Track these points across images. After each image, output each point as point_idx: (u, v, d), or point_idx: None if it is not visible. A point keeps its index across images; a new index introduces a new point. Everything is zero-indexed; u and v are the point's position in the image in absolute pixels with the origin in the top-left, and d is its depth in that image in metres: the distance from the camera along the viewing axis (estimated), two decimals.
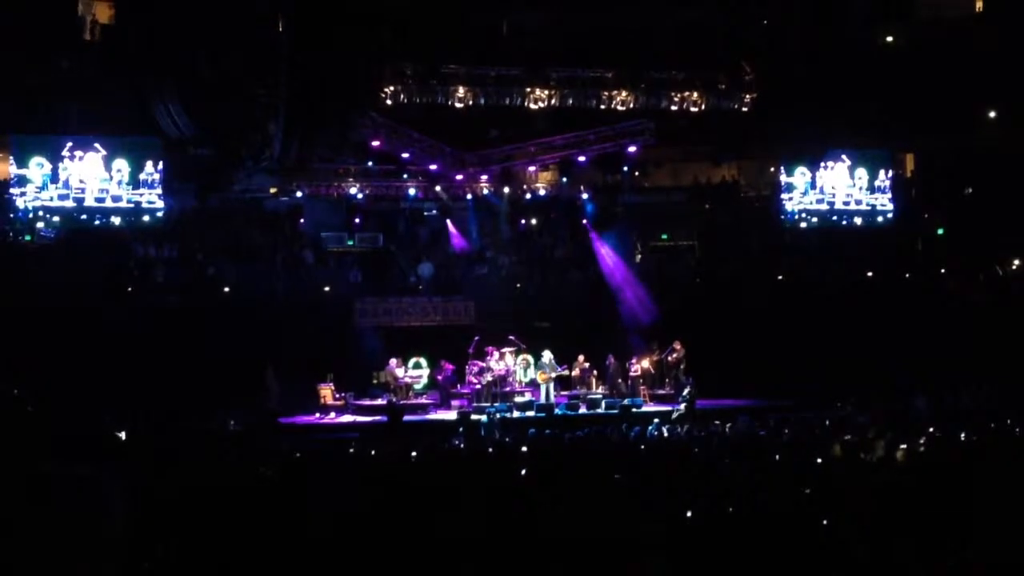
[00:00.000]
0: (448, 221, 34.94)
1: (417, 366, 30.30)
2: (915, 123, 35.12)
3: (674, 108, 31.82)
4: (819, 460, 15.30)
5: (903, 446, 15.99)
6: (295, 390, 28.31)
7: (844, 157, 33.98)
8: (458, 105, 30.54)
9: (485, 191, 34.59)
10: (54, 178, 28.51)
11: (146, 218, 29.28)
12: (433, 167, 33.19)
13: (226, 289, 30.91)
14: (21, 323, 25.74)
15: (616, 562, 9.23)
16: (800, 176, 33.82)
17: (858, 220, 34.12)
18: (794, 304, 31.72)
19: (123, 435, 20.93)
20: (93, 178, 28.67)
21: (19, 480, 3.66)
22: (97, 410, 23.58)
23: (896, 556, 9.37)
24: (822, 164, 33.66)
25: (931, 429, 19.38)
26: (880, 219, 34.17)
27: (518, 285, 33.84)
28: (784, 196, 33.81)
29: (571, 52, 32.75)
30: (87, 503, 3.67)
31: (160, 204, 29.31)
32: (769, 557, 9.58)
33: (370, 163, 34.12)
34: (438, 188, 34.29)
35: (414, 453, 17.97)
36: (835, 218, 34.17)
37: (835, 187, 34.12)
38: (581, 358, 30.19)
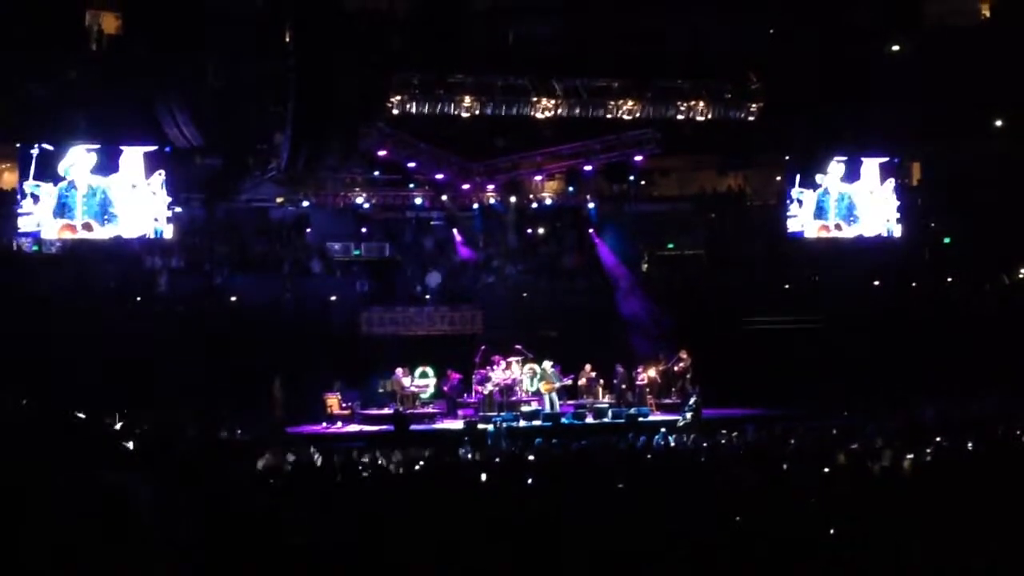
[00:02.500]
0: (455, 230, 34.98)
1: (424, 375, 30.31)
2: (921, 131, 35.08)
3: (680, 117, 31.76)
4: (826, 469, 15.29)
5: (910, 456, 15.97)
6: (302, 399, 28.36)
7: (850, 165, 33.90)
8: (464, 114, 30.52)
9: (491, 200, 34.62)
10: (64, 188, 28.42)
11: (153, 228, 29.17)
12: (439, 176, 33.22)
13: (233, 298, 30.96)
14: (29, 333, 25.79)
15: (623, 572, 9.24)
16: (806, 184, 33.70)
17: (864, 228, 34.03)
18: (800, 313, 31.69)
19: (130, 445, 20.95)
20: (100, 187, 28.63)
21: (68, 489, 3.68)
22: (104, 420, 23.62)
23: (902, 564, 9.37)
24: (828, 172, 33.58)
25: (938, 439, 19.36)
26: (886, 228, 34.09)
27: (525, 294, 33.86)
28: (790, 204, 33.73)
29: (577, 61, 32.75)
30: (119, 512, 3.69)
31: (167, 214, 29.25)
32: (776, 567, 9.58)
33: (376, 173, 34.16)
34: (444, 197, 34.31)
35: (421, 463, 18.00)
36: (841, 226, 34.08)
37: (841, 195, 34.07)
38: (587, 367, 30.20)
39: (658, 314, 32.44)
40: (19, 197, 28.34)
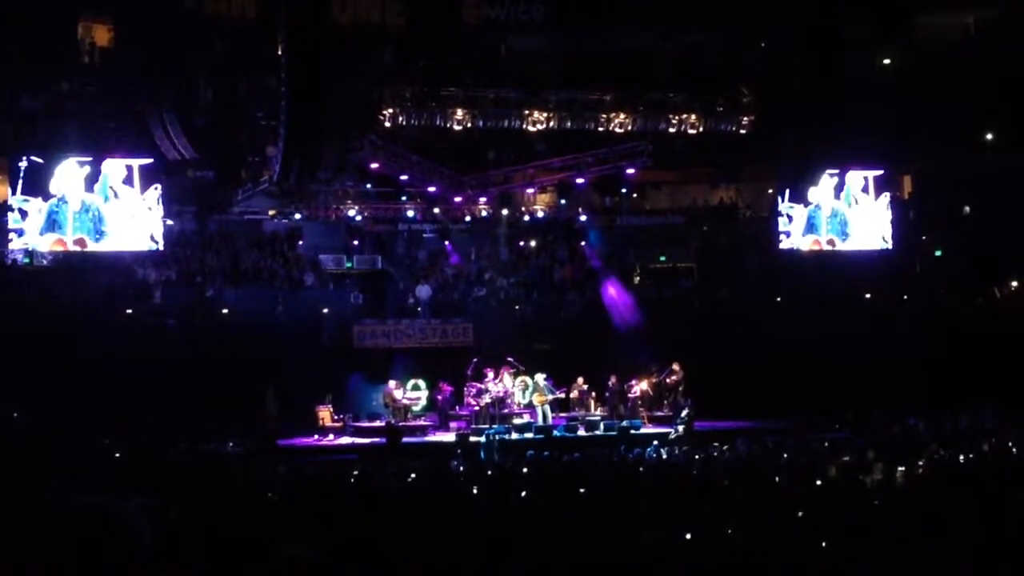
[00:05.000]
0: (447, 243, 35.00)
1: (416, 388, 30.26)
2: (912, 144, 35.16)
3: (672, 130, 31.84)
4: (818, 482, 15.30)
5: (902, 468, 15.99)
6: (294, 412, 28.29)
7: (841, 178, 33.89)
8: (457, 127, 30.59)
9: (484, 213, 34.65)
10: (54, 204, 28.00)
11: (145, 240, 28.89)
12: (432, 189, 33.25)
13: (225, 311, 30.92)
14: (20, 346, 25.71)
15: None
16: (796, 199, 33.62)
17: (856, 242, 34.03)
18: (792, 326, 31.70)
19: (118, 456, 20.93)
20: (92, 200, 28.33)
21: (34, 509, 3.67)
22: (96, 433, 23.59)
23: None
24: (819, 185, 33.60)
25: (930, 451, 19.39)
26: (878, 241, 34.12)
27: (516, 307, 33.89)
28: (781, 218, 33.69)
29: (569, 74, 32.85)
30: (115, 534, 3.67)
31: (159, 226, 28.97)
32: None
33: (369, 185, 34.19)
34: (436, 210, 34.34)
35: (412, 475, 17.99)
36: (832, 239, 34.05)
37: (833, 208, 34.05)
38: (580, 380, 30.17)
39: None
40: (10, 209, 28.01)
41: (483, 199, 34.20)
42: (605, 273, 34.36)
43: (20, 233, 27.54)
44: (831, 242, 33.55)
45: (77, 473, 15.38)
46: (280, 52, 26.39)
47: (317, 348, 30.29)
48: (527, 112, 30.88)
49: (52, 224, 27.71)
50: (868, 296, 34.65)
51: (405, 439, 27.18)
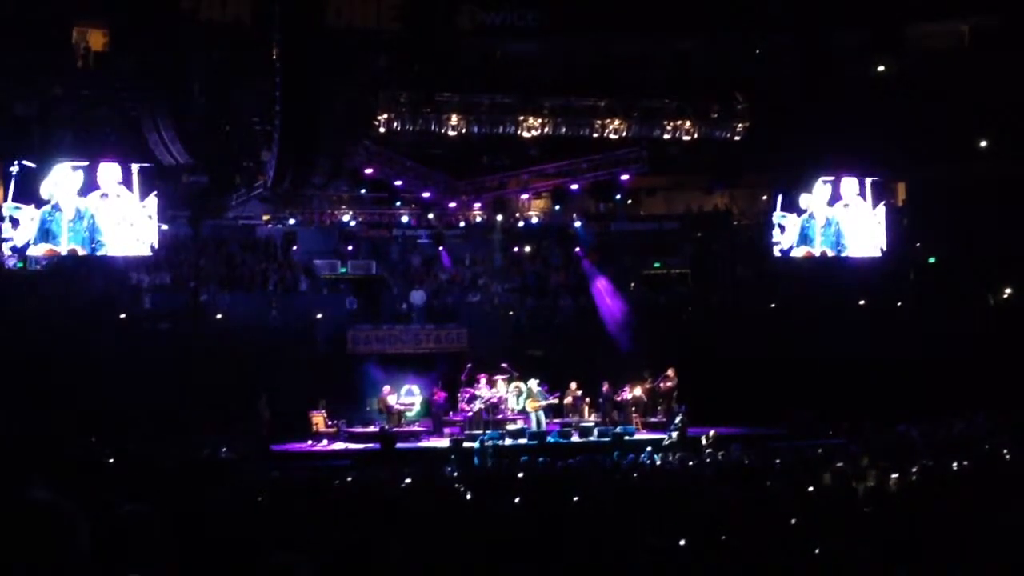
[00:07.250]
0: (441, 248, 35.00)
1: (410, 393, 30.27)
2: (906, 152, 35.19)
3: (667, 136, 31.83)
4: (811, 489, 15.29)
5: (895, 475, 15.98)
6: (287, 417, 28.27)
7: (835, 186, 33.89)
8: (451, 133, 30.59)
9: (478, 219, 34.66)
10: (47, 212, 27.68)
11: (139, 245, 28.70)
12: (426, 195, 33.28)
13: (219, 316, 30.89)
14: (12, 350, 25.66)
15: None
16: (789, 208, 33.54)
17: (850, 249, 34.00)
18: (786, 332, 31.71)
19: (111, 461, 20.88)
20: (86, 205, 28.14)
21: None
22: (87, 437, 23.54)
23: None
24: (813, 192, 33.59)
25: (924, 458, 19.39)
26: (872, 248, 34.10)
27: (511, 313, 33.90)
28: (775, 225, 33.65)
29: (564, 80, 32.86)
30: (53, 529, 3.61)
31: (153, 231, 28.83)
32: None
33: (363, 190, 34.19)
34: (431, 216, 34.35)
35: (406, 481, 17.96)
36: (827, 246, 34.00)
37: (827, 217, 34.01)
38: (573, 385, 30.18)
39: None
40: (4, 214, 27.72)
41: (477, 204, 34.22)
42: (596, 273, 34.45)
43: (10, 241, 27.26)
44: (824, 254, 33.44)
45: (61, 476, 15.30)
46: (275, 57, 26.36)
47: (311, 353, 30.28)
48: (522, 118, 30.86)
49: (45, 234, 27.14)
50: (862, 303, 34.65)
51: (399, 445, 27.16)
